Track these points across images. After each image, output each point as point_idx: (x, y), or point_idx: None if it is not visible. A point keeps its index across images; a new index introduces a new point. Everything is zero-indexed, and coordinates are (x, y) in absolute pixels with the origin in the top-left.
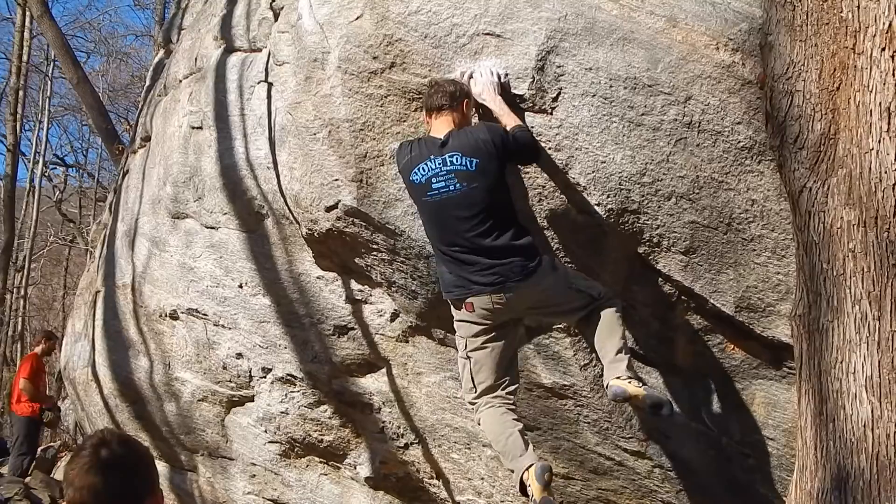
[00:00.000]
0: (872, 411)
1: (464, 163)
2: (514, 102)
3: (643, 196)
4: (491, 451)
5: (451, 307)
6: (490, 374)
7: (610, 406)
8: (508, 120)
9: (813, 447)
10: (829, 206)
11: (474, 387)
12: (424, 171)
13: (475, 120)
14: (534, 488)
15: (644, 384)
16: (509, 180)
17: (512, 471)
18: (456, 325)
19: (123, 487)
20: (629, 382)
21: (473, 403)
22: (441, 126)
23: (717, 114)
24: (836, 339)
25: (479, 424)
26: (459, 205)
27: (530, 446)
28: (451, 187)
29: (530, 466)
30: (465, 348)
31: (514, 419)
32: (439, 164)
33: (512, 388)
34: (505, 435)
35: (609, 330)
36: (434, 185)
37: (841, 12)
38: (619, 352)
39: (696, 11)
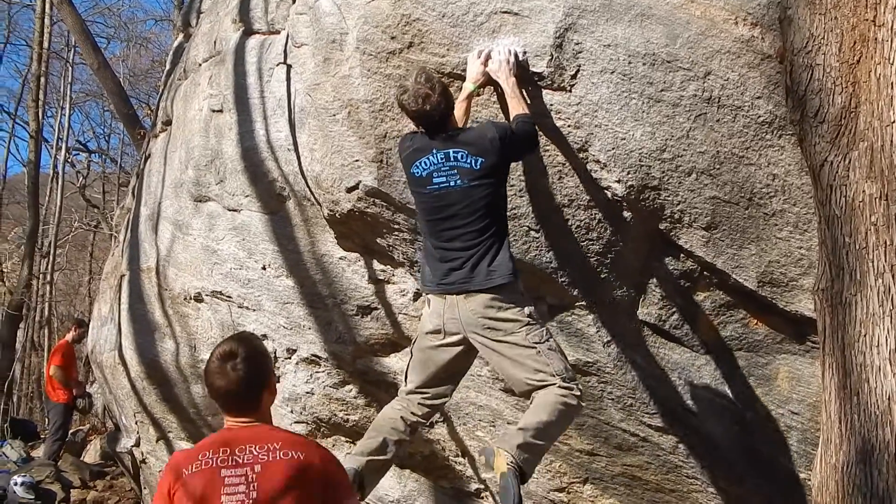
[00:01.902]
0: None
1: (468, 161)
2: (533, 81)
3: (664, 172)
4: (514, 428)
5: None
6: (420, 378)
7: (634, 382)
8: (515, 104)
9: (837, 421)
10: (850, 180)
11: (406, 382)
12: (426, 165)
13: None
14: None
15: (523, 475)
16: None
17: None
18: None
19: None
20: (503, 456)
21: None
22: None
23: (737, 89)
24: (859, 312)
25: None
26: (458, 201)
27: (375, 458)
28: (452, 182)
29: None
30: (414, 343)
31: (396, 429)
32: (441, 158)
33: (438, 401)
34: (375, 431)
35: (541, 407)
36: (435, 180)
37: None
38: (525, 429)
39: None
